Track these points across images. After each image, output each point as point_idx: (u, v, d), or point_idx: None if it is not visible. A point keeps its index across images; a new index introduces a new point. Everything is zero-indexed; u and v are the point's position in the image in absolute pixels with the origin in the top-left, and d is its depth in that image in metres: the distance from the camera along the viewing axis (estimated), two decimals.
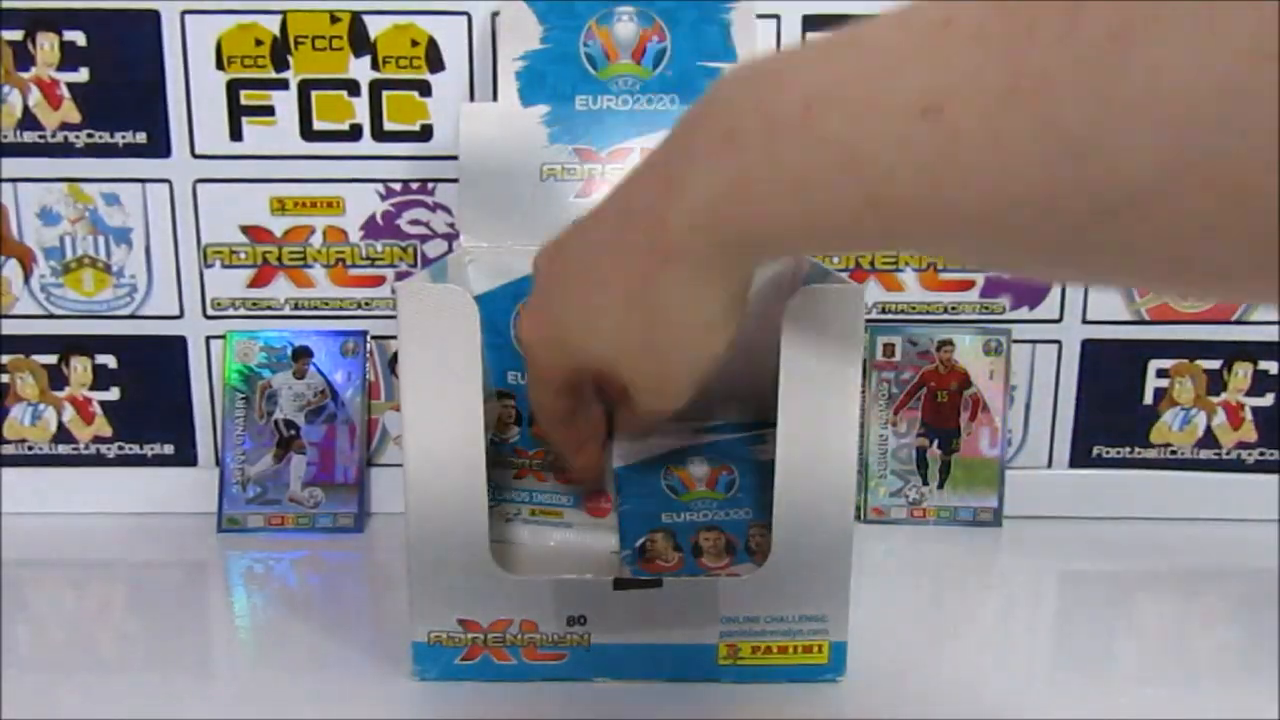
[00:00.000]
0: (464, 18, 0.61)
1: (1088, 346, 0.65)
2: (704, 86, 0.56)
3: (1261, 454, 0.66)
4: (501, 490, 0.57)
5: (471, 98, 0.62)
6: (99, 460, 0.66)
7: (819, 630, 0.44)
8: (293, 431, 0.63)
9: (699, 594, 0.43)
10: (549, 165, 0.55)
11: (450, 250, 0.64)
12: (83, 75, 0.61)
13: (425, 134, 0.62)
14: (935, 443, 0.64)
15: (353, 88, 0.62)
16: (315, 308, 0.64)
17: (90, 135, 0.62)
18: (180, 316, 0.64)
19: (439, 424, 0.41)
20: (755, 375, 0.44)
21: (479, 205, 0.56)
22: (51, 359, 0.65)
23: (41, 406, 0.65)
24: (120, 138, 0.62)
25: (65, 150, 0.62)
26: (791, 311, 0.40)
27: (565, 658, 0.44)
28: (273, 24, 0.61)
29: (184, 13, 0.61)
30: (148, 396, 0.65)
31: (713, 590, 0.43)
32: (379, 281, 0.64)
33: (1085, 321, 0.65)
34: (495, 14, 0.61)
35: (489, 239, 0.56)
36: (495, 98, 0.62)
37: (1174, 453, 0.66)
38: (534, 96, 0.56)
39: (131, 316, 0.64)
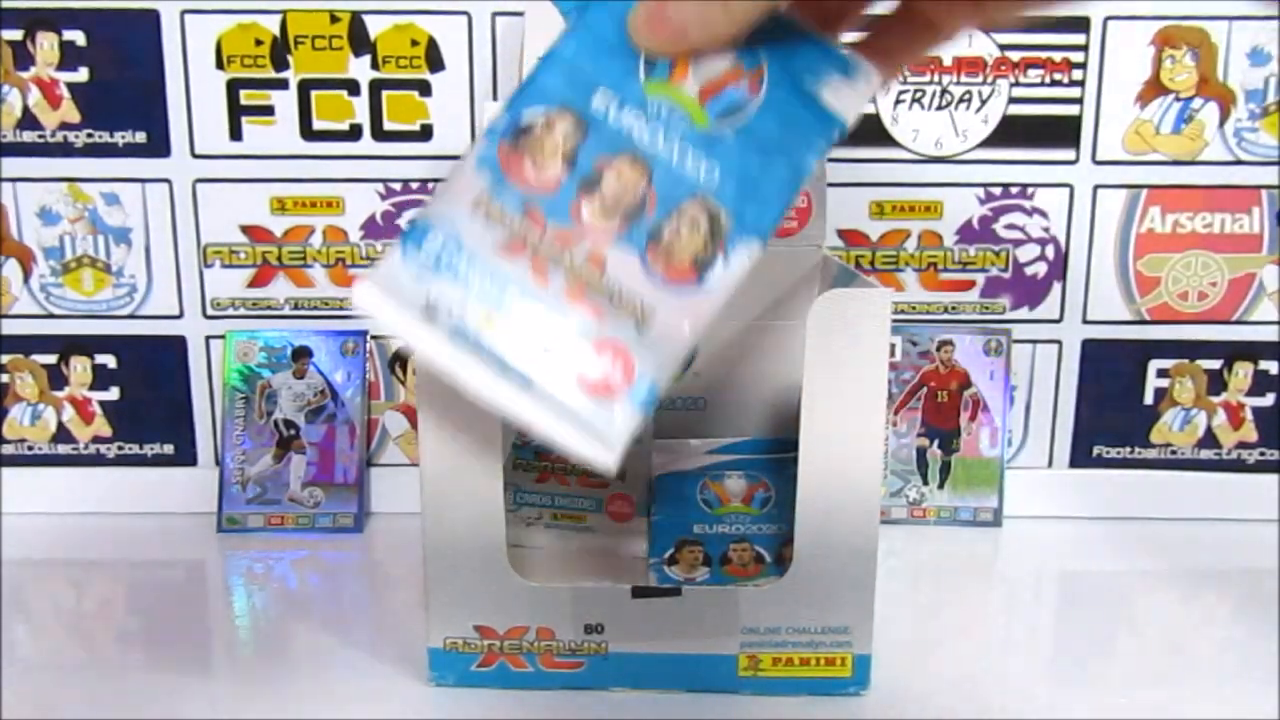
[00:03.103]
0: (464, 18, 0.61)
1: (1088, 346, 0.65)
2: None
3: (1261, 454, 0.66)
4: (523, 495, 0.57)
5: (495, 97, 0.62)
6: (99, 460, 0.66)
7: (842, 642, 0.43)
8: (293, 431, 0.63)
9: (719, 603, 0.43)
10: None
11: None
12: (83, 75, 0.61)
13: (425, 134, 0.62)
14: (935, 443, 0.64)
15: (353, 87, 0.62)
16: (315, 308, 0.64)
17: (90, 135, 0.62)
18: (180, 316, 0.64)
19: (454, 428, 0.41)
20: (792, 391, 0.43)
21: None
22: (51, 359, 0.65)
23: (41, 406, 0.65)
24: (120, 138, 0.62)
25: (65, 150, 0.62)
26: (816, 315, 0.39)
27: (583, 666, 0.44)
28: (273, 24, 0.61)
29: (184, 12, 0.61)
30: (148, 396, 0.65)
31: (733, 600, 0.43)
32: None
33: (1085, 321, 0.65)
34: (496, 14, 0.61)
35: None
36: (495, 96, 0.62)
37: (1174, 453, 0.66)
38: None
39: (131, 316, 0.64)
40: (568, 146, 0.31)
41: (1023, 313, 0.65)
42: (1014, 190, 0.63)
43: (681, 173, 0.31)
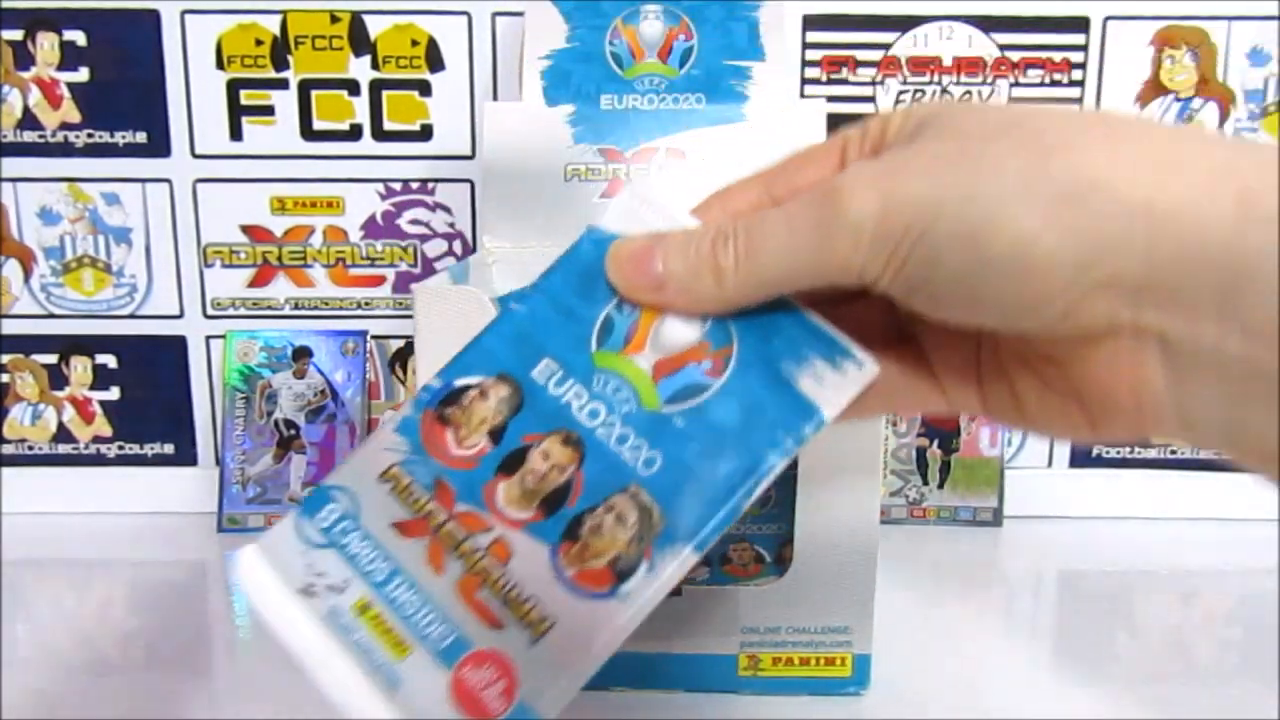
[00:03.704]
0: (464, 18, 0.61)
1: None
2: (730, 85, 0.56)
3: None
4: None
5: (495, 97, 0.62)
6: (99, 460, 0.66)
7: (842, 642, 0.43)
8: (293, 431, 0.63)
9: (719, 603, 0.43)
10: (573, 165, 0.55)
11: (450, 250, 0.64)
12: (83, 75, 0.61)
13: (425, 134, 0.62)
14: (935, 442, 0.64)
15: (353, 87, 0.62)
16: (315, 307, 0.64)
17: (90, 135, 0.62)
18: (180, 316, 0.64)
19: None
20: None
21: (502, 205, 0.55)
22: (51, 359, 0.65)
23: (41, 406, 0.65)
24: (120, 138, 0.62)
25: (65, 150, 0.62)
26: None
27: None
28: (273, 24, 0.61)
29: (184, 13, 0.61)
30: (148, 396, 0.65)
31: (733, 600, 0.43)
32: (379, 281, 0.64)
33: None
34: (496, 14, 0.61)
35: (512, 239, 0.55)
36: (495, 96, 0.62)
37: (1174, 453, 0.66)
38: (559, 96, 0.56)
39: (131, 316, 0.64)
40: (497, 419, 0.27)
41: None
42: None
43: (617, 459, 0.26)
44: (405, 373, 0.65)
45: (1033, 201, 0.22)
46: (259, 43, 0.61)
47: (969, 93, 0.62)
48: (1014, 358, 0.26)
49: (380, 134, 0.62)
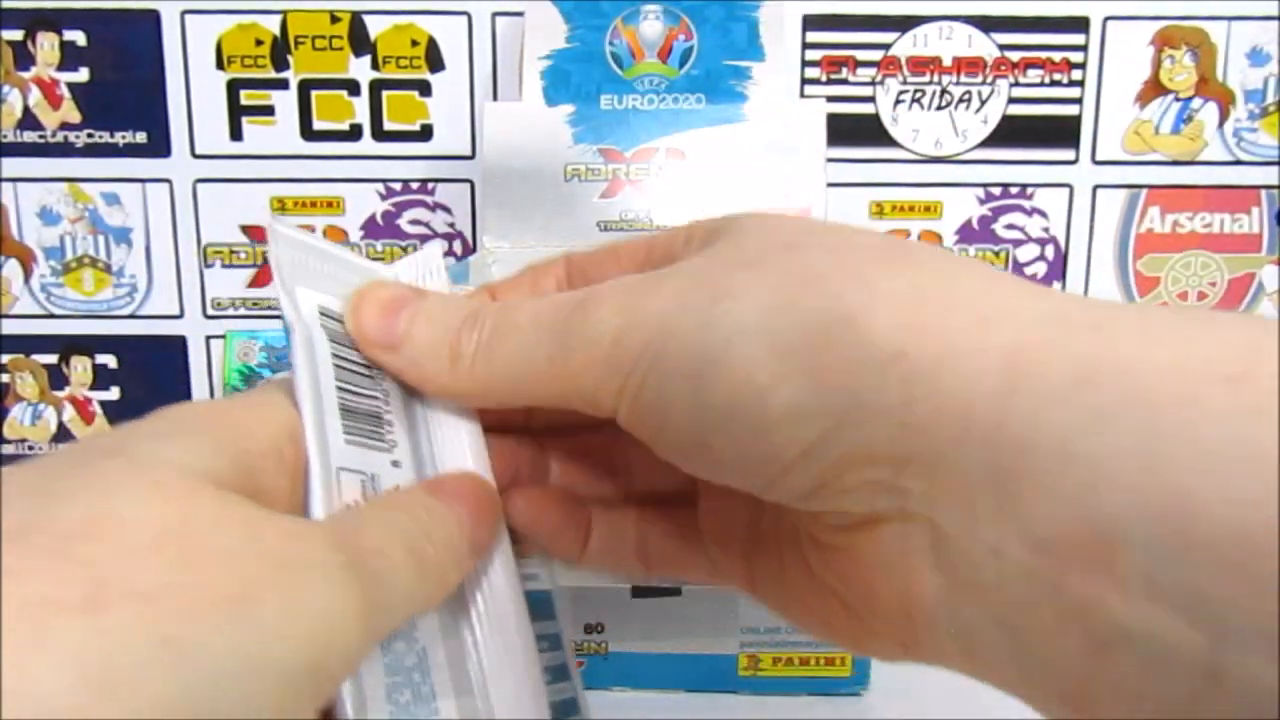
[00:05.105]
0: (464, 18, 0.61)
1: None
2: (730, 85, 0.57)
3: None
4: None
5: (495, 97, 0.62)
6: None
7: None
8: None
9: (719, 603, 0.43)
10: (573, 165, 0.55)
11: (450, 250, 0.64)
12: (83, 75, 0.61)
13: (425, 134, 0.62)
14: None
15: (353, 88, 0.62)
16: None
17: (90, 135, 0.62)
18: (180, 316, 0.64)
19: None
20: None
21: (501, 205, 0.55)
22: (51, 359, 0.65)
23: (41, 406, 0.65)
24: (120, 138, 0.62)
25: (65, 150, 0.62)
26: None
27: (583, 666, 0.43)
28: (273, 24, 0.61)
29: (184, 13, 0.61)
30: (148, 396, 0.65)
31: (733, 599, 0.43)
32: None
33: None
34: (496, 14, 0.61)
35: (511, 240, 0.55)
36: (495, 96, 0.62)
37: None
38: (558, 96, 0.56)
39: (131, 316, 0.64)
40: None
41: None
42: (1013, 190, 0.63)
43: None
44: None
45: (769, 339, 0.18)
46: (259, 43, 0.61)
47: (969, 93, 0.62)
48: (788, 532, 0.22)
49: (380, 134, 0.62)
